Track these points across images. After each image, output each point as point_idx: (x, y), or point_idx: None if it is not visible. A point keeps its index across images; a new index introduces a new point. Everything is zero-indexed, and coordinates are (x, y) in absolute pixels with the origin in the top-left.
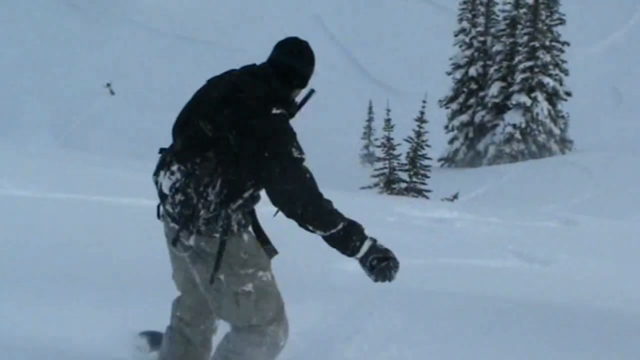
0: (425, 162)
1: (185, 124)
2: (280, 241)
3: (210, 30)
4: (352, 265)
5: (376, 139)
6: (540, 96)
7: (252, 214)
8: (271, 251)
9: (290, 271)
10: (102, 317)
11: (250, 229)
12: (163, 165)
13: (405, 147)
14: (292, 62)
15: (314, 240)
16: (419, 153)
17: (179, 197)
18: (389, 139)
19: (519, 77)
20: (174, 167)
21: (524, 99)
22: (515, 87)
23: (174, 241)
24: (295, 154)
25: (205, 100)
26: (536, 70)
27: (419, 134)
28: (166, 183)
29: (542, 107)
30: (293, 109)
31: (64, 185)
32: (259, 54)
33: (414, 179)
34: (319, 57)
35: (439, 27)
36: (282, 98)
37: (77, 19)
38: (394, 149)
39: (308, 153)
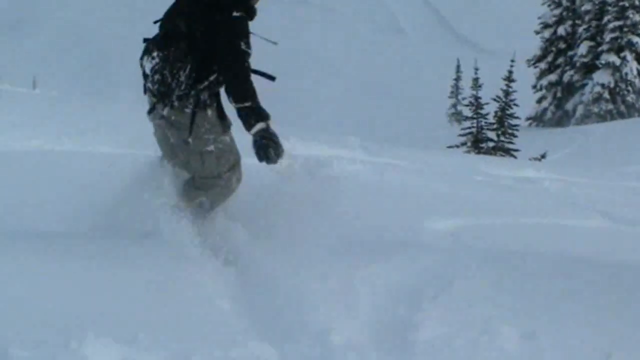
0: (513, 122)
1: (167, 19)
2: (369, 199)
3: None
4: (440, 224)
5: (464, 98)
6: (629, 56)
7: (217, 95)
8: (228, 124)
9: (378, 229)
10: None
11: (214, 106)
12: (147, 51)
13: (493, 107)
14: None
15: (402, 198)
16: (507, 112)
17: (157, 77)
18: (476, 97)
19: (608, 36)
20: (154, 53)
21: (612, 58)
22: (604, 47)
23: (149, 110)
24: (243, 47)
25: (183, 2)
26: (625, 29)
27: (507, 93)
28: (148, 65)
29: (632, 66)
30: (252, 13)
31: None
32: (345, 10)
33: (502, 139)
34: (407, 15)
35: None
36: (243, 4)
37: None
38: (481, 108)
39: (395, 111)
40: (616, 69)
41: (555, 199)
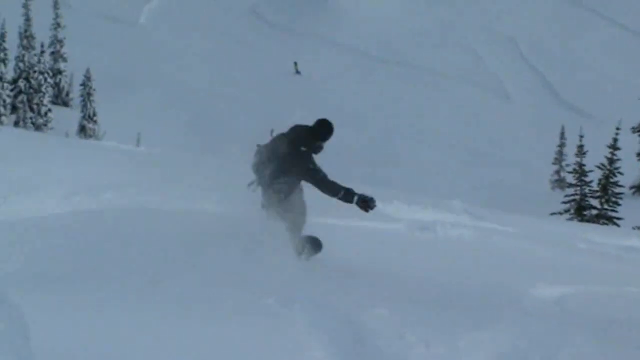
0: (617, 190)
1: (272, 141)
2: (473, 262)
3: (408, 52)
4: (545, 291)
5: (567, 165)
6: None
7: (300, 187)
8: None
9: (482, 292)
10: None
11: (297, 192)
12: (262, 162)
13: (597, 174)
14: (319, 129)
15: (506, 263)
16: (611, 180)
17: (268, 173)
18: (580, 165)
19: None
20: (268, 164)
21: None
22: None
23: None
24: (311, 166)
25: (279, 138)
26: None
27: (611, 161)
28: (266, 170)
29: None
30: (317, 149)
31: None
32: (452, 74)
33: (605, 206)
34: (514, 79)
35: (634, 53)
36: (308, 144)
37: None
38: (585, 175)
39: (499, 176)
40: None
41: None
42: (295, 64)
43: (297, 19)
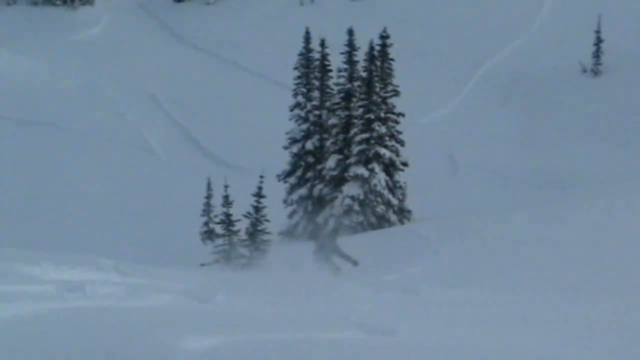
0: (265, 237)
1: None
2: (118, 322)
3: (55, 113)
4: (194, 344)
5: (216, 215)
6: (377, 167)
7: None
8: None
9: (123, 354)
10: None
11: None
12: None
13: (245, 223)
14: None
15: (154, 319)
16: (258, 228)
17: None
18: (227, 215)
19: (355, 149)
20: None
21: (361, 170)
22: (352, 159)
23: None
24: None
25: None
26: (372, 141)
27: (257, 209)
28: None
29: (380, 178)
30: None
31: None
32: (103, 134)
33: (254, 254)
34: (158, 134)
35: (275, 102)
36: None
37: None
38: (233, 225)
39: (147, 233)
40: (365, 180)
41: (315, 311)
42: None
43: None
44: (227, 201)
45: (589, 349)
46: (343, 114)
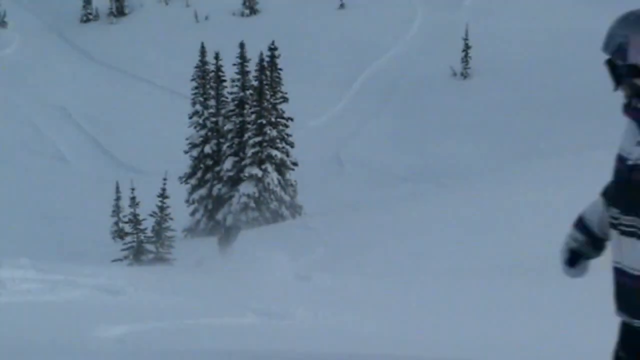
0: (170, 234)
1: None
2: (43, 320)
3: None
4: (106, 332)
5: (125, 216)
6: (270, 167)
7: None
8: None
9: (46, 342)
10: None
11: None
12: None
13: (151, 222)
14: None
15: (71, 313)
16: (163, 226)
17: None
18: (135, 215)
19: (249, 151)
20: None
21: (255, 170)
22: (247, 161)
23: None
24: None
25: None
26: (265, 144)
27: (161, 209)
28: None
29: (273, 177)
30: None
31: None
32: (19, 145)
33: (160, 250)
34: (69, 144)
35: (176, 111)
36: None
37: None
38: (140, 224)
39: (63, 233)
40: (259, 180)
41: (217, 300)
42: None
43: None
44: (134, 202)
45: (459, 327)
46: (237, 120)
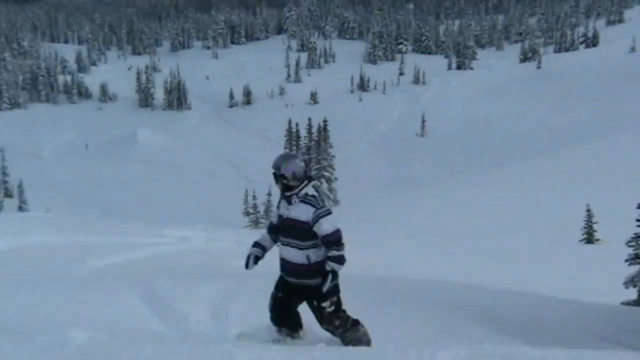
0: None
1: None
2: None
3: None
4: (97, 262)
5: (248, 206)
6: (323, 180)
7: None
8: None
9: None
10: None
11: None
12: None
13: (263, 207)
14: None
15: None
16: (270, 209)
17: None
18: (254, 204)
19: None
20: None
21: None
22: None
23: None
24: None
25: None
26: (319, 169)
27: (268, 201)
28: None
29: (324, 187)
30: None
31: None
32: None
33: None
34: (218, 167)
35: (274, 151)
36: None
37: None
38: (256, 209)
39: None
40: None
41: None
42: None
43: None
44: (253, 198)
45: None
46: (306, 157)
